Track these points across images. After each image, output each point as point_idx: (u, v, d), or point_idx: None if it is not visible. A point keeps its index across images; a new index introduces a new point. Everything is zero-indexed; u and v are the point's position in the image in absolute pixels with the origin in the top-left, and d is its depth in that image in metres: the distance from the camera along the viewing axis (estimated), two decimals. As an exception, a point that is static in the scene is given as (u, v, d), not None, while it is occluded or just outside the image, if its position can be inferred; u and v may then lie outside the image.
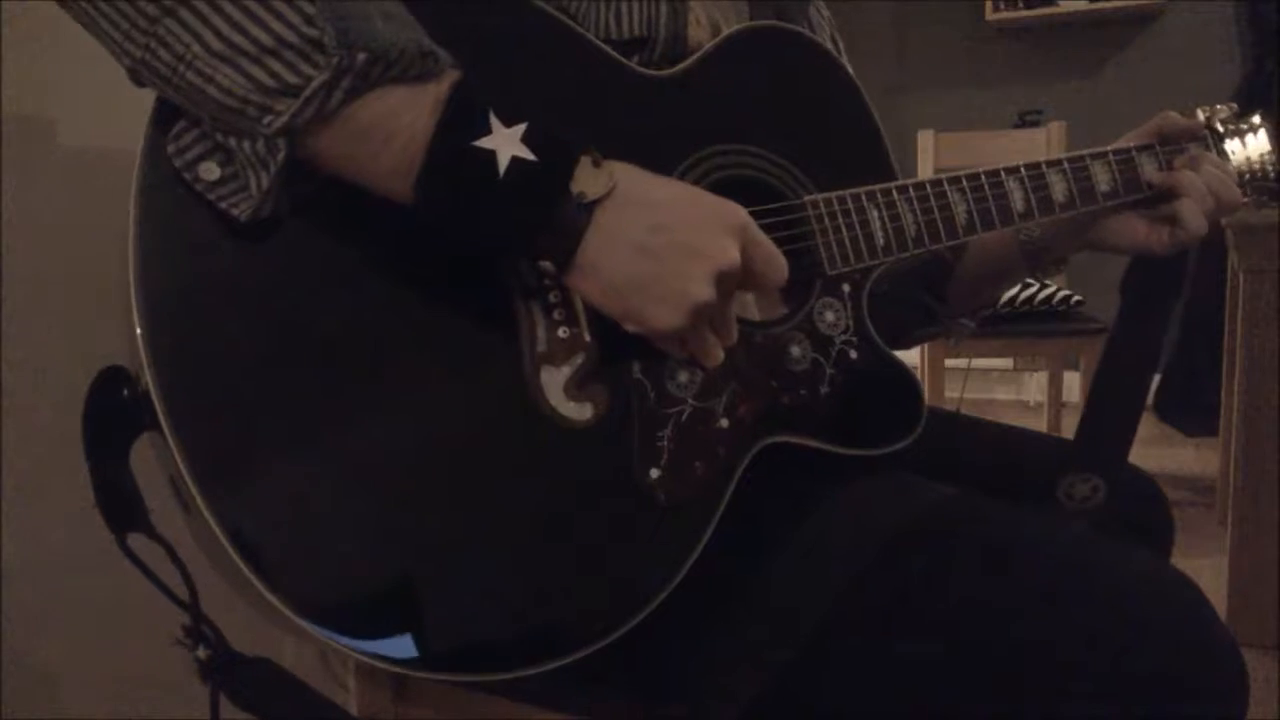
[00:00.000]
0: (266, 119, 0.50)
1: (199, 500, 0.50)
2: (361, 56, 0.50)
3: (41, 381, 0.94)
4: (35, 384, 0.94)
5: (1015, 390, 3.98)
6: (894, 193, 0.75)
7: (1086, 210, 0.83)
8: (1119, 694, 0.55)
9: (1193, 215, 0.81)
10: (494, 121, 0.53)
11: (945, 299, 0.96)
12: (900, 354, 0.78)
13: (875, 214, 0.74)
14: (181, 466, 0.50)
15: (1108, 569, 0.60)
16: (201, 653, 0.57)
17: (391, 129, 0.52)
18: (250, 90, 0.49)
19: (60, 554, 0.96)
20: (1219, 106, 0.93)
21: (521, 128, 0.53)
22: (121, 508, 0.54)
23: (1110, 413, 0.86)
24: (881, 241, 0.74)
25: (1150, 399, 3.41)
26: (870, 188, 0.74)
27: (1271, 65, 3.27)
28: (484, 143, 0.52)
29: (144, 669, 1.01)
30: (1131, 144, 0.85)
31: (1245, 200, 0.87)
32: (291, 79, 0.50)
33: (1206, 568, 1.89)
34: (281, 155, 0.51)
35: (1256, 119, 0.92)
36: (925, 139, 2.64)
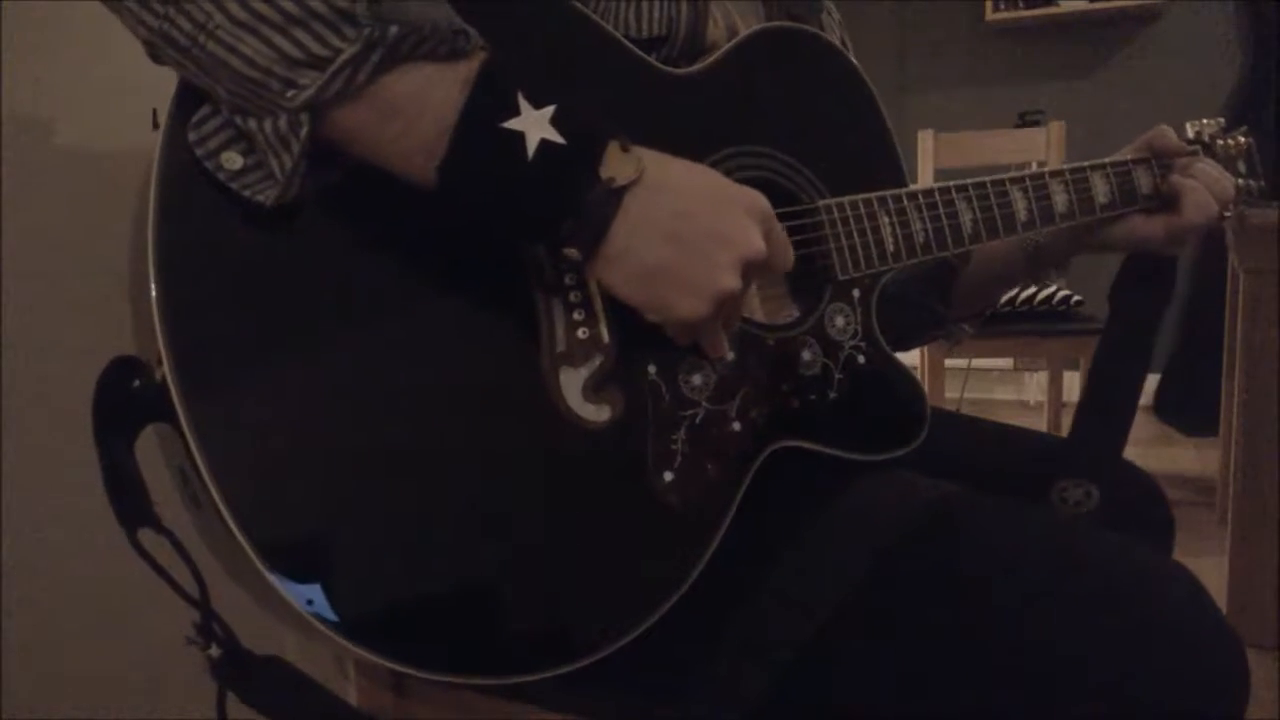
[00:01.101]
0: (290, 92, 0.48)
1: (213, 492, 0.49)
2: (393, 30, 0.49)
3: (42, 381, 0.94)
4: (35, 384, 0.94)
5: (1015, 390, 3.98)
6: (904, 199, 0.75)
7: (1084, 220, 0.86)
8: (1121, 690, 0.55)
9: (1191, 208, 0.85)
10: (523, 103, 0.52)
11: (950, 302, 0.97)
12: (899, 354, 0.78)
13: (886, 220, 0.74)
14: (197, 458, 0.49)
15: (1108, 564, 0.61)
16: (214, 651, 0.55)
17: (419, 107, 0.50)
18: (274, 61, 0.48)
19: (60, 553, 0.96)
20: (1207, 121, 0.97)
21: (551, 110, 0.52)
22: (132, 501, 0.53)
23: (1101, 418, 0.86)
24: (891, 248, 0.74)
25: (1150, 399, 3.41)
26: (882, 194, 0.74)
27: (1272, 65, 3.27)
28: (513, 124, 0.51)
29: (144, 668, 1.01)
30: (1128, 157, 0.89)
31: (1236, 193, 0.91)
32: (319, 50, 0.48)
33: (1206, 568, 1.88)
34: (304, 132, 0.49)
35: (1242, 136, 0.97)
36: (925, 139, 2.63)
